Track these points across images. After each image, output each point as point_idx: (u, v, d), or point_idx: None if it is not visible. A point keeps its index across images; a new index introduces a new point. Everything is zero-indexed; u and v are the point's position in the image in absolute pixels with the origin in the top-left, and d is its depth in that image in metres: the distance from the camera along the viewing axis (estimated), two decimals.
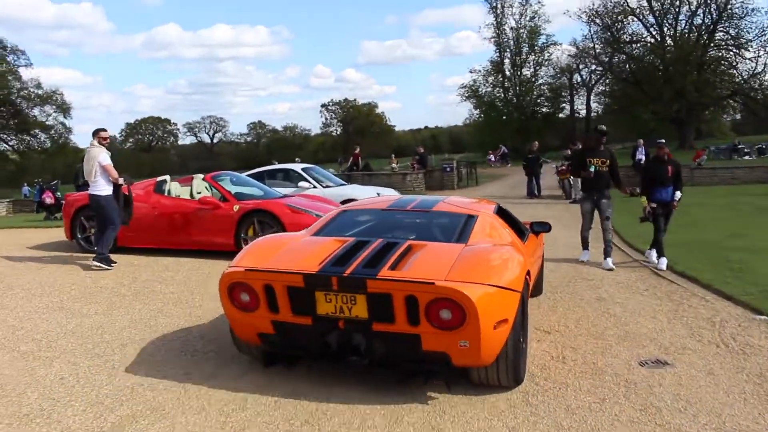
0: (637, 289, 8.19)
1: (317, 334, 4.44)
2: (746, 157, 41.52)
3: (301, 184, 14.46)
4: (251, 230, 10.00)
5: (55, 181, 24.71)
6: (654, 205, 9.33)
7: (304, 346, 4.64)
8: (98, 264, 9.15)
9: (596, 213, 9.97)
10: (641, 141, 25.24)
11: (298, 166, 15.47)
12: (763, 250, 10.23)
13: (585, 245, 10.27)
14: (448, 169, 26.59)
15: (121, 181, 9.26)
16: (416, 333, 4.20)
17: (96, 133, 9.20)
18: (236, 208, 10.11)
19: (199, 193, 10.73)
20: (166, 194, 10.71)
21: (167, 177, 11.18)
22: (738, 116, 76.84)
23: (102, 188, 9.11)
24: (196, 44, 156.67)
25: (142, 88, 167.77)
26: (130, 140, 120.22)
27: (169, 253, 10.42)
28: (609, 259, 9.67)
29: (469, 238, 5.11)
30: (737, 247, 10.73)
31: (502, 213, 6.27)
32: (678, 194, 9.37)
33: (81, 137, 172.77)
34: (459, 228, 5.33)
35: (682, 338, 6.00)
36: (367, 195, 13.65)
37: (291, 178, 15.11)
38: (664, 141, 10.10)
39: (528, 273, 5.02)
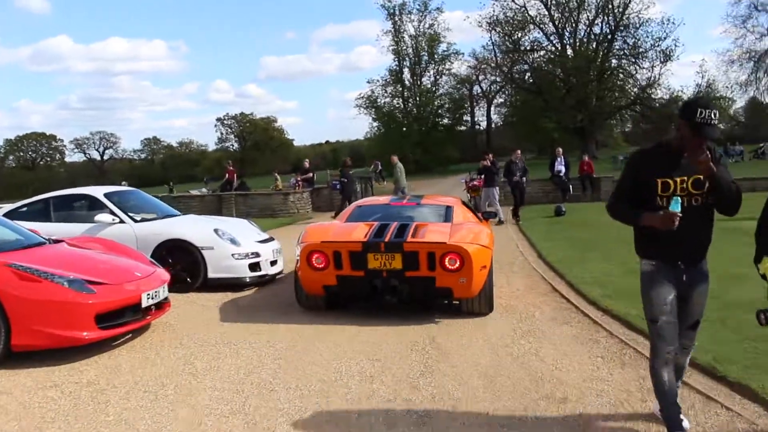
0: None
1: (367, 281, 6.74)
2: None
3: (100, 217, 9.22)
4: None
5: None
6: None
7: (357, 290, 6.97)
8: None
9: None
10: (560, 150, 21.43)
11: (100, 191, 10.14)
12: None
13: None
14: (338, 186, 21.84)
15: None
16: (432, 276, 6.56)
17: None
18: None
19: None
20: None
21: None
22: (629, 127, 76.38)
23: None
24: (89, 58, 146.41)
25: (29, 104, 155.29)
26: (11, 157, 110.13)
27: None
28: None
29: (452, 219, 7.71)
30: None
31: (465, 204, 9.23)
32: None
33: None
34: (443, 213, 8.01)
35: None
36: (199, 234, 8.84)
37: (92, 206, 9.91)
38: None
39: (493, 239, 7.45)
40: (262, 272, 8.96)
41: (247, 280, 8.79)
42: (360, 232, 6.91)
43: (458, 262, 6.42)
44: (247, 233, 9.40)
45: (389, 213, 8.10)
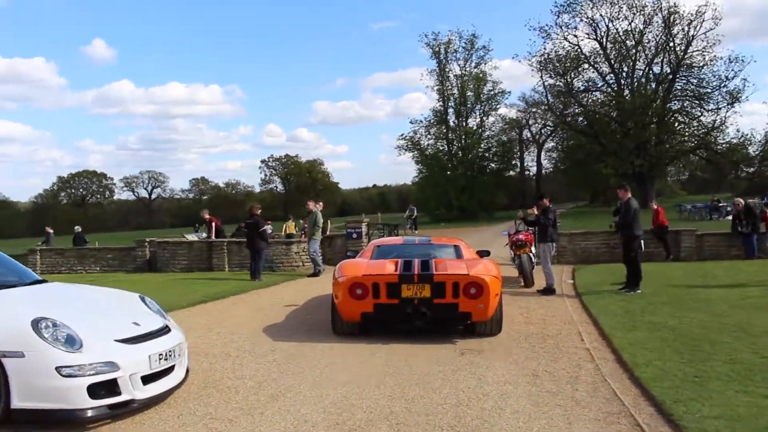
0: None
1: (401, 308, 7.63)
2: (730, 217, 33.71)
3: None
4: None
5: None
6: None
7: (391, 316, 7.82)
8: None
9: None
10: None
11: None
12: None
13: None
14: (354, 236, 17.76)
15: None
16: (456, 302, 7.58)
17: None
18: None
19: None
20: None
21: None
22: (685, 174, 70.90)
23: None
24: (148, 101, 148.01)
25: (91, 143, 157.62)
26: (62, 194, 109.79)
27: None
28: None
29: (463, 256, 9.05)
30: None
31: (466, 244, 10.12)
32: None
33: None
34: (453, 251, 9.34)
35: None
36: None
37: None
38: None
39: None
40: (122, 397, 4.86)
41: (88, 414, 4.69)
42: (390, 267, 7.93)
43: (477, 290, 7.58)
44: (113, 322, 5.33)
45: (407, 251, 9.17)
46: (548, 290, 11.53)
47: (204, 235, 19.45)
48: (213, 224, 19.17)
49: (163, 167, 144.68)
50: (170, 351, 5.39)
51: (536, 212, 12.30)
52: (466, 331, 8.12)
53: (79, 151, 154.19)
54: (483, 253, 9.85)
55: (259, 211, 15.61)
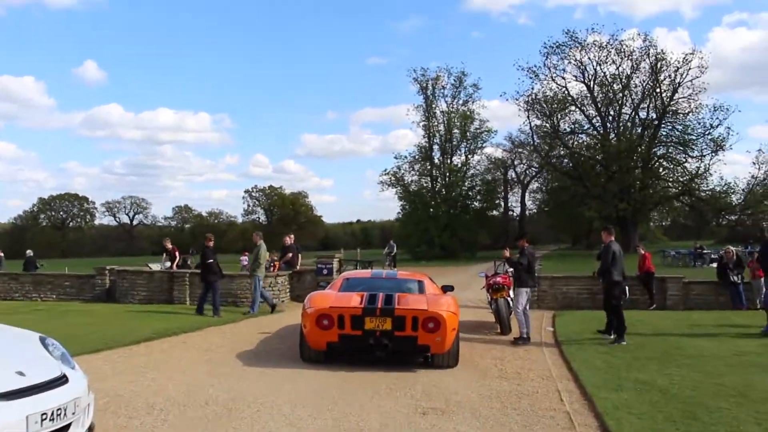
0: None
1: (364, 338, 8.09)
2: (713, 265, 33.04)
3: None
4: None
5: None
6: None
7: (355, 346, 8.25)
8: None
9: None
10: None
11: None
12: None
13: None
14: (324, 271, 16.76)
15: None
16: (415, 335, 8.05)
17: None
18: None
19: None
20: None
21: None
22: (667, 221, 70.66)
23: None
24: (136, 126, 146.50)
25: (76, 165, 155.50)
26: (42, 216, 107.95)
27: None
28: None
29: (425, 291, 9.57)
30: None
31: (430, 279, 10.64)
32: None
33: None
34: (417, 286, 9.80)
35: None
36: None
37: None
38: None
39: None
40: None
41: None
42: (356, 299, 8.48)
43: (435, 325, 8.04)
44: None
45: (373, 285, 9.70)
46: (522, 339, 10.57)
47: (168, 264, 18.39)
48: (176, 254, 18.17)
49: (147, 193, 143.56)
50: (61, 408, 4.36)
51: (508, 255, 11.50)
52: (426, 364, 8.55)
53: (64, 173, 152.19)
54: (447, 288, 10.73)
55: (211, 243, 14.59)
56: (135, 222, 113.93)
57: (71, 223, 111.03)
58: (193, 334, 11.20)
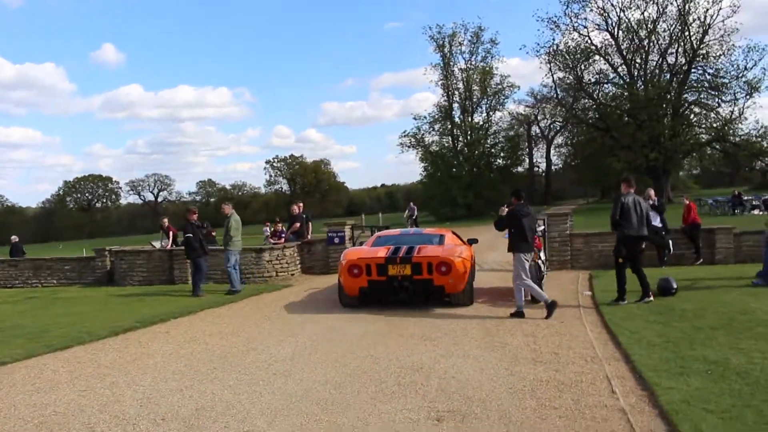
0: None
1: (389, 282, 9.51)
2: (756, 212, 31.07)
3: None
4: None
5: None
6: None
7: (381, 290, 9.68)
8: None
9: None
10: (652, 192, 14.50)
11: None
12: None
13: None
14: (336, 240, 15.36)
15: None
16: (431, 278, 9.39)
17: None
18: None
19: None
20: None
21: None
22: (698, 168, 68.15)
23: None
24: (157, 105, 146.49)
25: (101, 148, 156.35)
26: (68, 198, 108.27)
27: None
28: None
29: (444, 243, 10.53)
30: None
31: (455, 233, 11.74)
32: None
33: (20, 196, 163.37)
34: (438, 239, 10.81)
35: None
36: None
37: None
38: None
39: (473, 256, 10.69)
40: None
41: None
42: (381, 252, 9.88)
43: (447, 268, 9.30)
44: None
45: (400, 240, 10.90)
46: (516, 314, 8.94)
47: (165, 242, 17.18)
48: (171, 233, 16.89)
49: (172, 170, 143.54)
50: None
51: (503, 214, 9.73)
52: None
53: (89, 156, 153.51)
54: (471, 241, 11.61)
55: (195, 216, 12.99)
56: (159, 199, 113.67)
57: (97, 204, 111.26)
58: (183, 319, 9.87)
